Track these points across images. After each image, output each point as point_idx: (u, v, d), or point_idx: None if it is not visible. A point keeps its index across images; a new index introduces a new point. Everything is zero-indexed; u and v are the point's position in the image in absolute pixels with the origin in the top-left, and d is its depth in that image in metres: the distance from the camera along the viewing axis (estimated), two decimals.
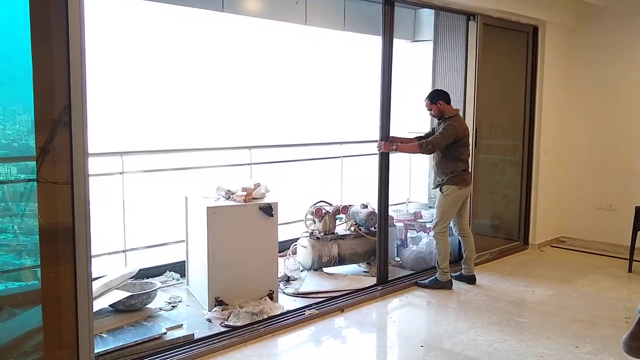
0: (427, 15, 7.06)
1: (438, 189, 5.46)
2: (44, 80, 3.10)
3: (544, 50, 6.92)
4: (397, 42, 5.58)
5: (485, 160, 6.51)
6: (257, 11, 5.95)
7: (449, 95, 5.39)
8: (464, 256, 5.74)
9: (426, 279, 5.65)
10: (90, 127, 3.19)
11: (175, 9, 5.67)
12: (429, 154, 5.40)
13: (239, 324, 4.45)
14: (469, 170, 5.53)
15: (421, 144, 5.23)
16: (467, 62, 6.22)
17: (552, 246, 7.35)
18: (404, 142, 5.40)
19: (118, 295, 4.33)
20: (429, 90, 6.92)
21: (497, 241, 6.96)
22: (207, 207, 4.69)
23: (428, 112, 5.42)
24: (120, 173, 5.43)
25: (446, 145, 5.26)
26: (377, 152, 5.41)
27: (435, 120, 5.55)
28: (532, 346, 4.31)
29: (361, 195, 6.30)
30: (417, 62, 7.26)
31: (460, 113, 5.56)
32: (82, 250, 3.17)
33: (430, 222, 6.65)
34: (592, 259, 6.81)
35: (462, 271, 5.77)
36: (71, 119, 3.11)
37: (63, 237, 3.16)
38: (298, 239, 5.90)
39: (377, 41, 5.38)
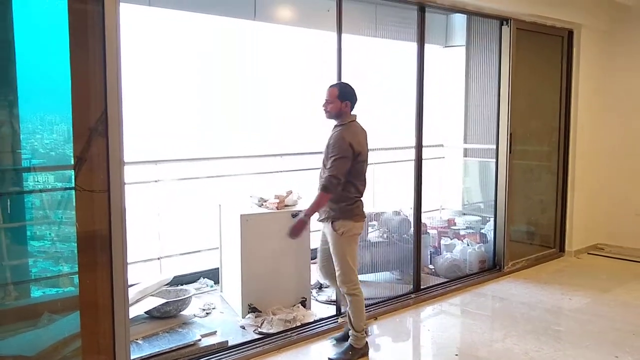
0: (460, 21, 7.02)
1: (329, 224, 4.07)
2: (82, 91, 3.16)
3: (579, 54, 6.81)
4: (429, 48, 5.55)
5: (519, 166, 6.42)
6: (288, 19, 5.99)
7: (357, 99, 4.17)
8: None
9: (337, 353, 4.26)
10: (126, 136, 3.24)
11: (209, 18, 5.73)
12: (337, 189, 3.93)
13: (272, 331, 4.47)
14: (362, 197, 4.17)
15: (324, 186, 3.91)
16: (501, 67, 6.15)
17: (589, 253, 7.20)
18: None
19: (153, 302, 4.39)
20: (462, 96, 6.89)
21: (533, 248, 6.86)
22: (241, 215, 4.72)
23: (325, 103, 4.10)
24: (155, 181, 5.51)
25: (348, 165, 3.95)
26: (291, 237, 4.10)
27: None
28: (570, 355, 4.23)
29: (393, 201, 6.26)
30: (449, 67, 7.22)
31: (358, 120, 4.18)
32: (118, 257, 3.22)
33: (464, 230, 6.59)
34: (631, 267, 6.66)
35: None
36: (108, 128, 3.17)
37: (100, 245, 3.21)
38: None
39: (409, 47, 5.36)
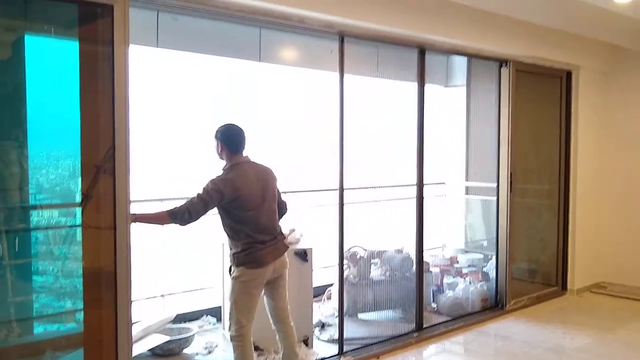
0: (460, 61, 7.14)
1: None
2: (90, 130, 3.25)
3: (577, 94, 6.91)
4: (431, 87, 5.65)
5: (521, 204, 6.46)
6: (292, 60, 6.10)
7: (241, 141, 3.88)
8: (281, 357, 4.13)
9: None
10: (133, 175, 3.30)
11: (215, 60, 5.85)
12: (186, 224, 3.67)
13: None
14: (268, 241, 3.83)
15: (172, 212, 3.61)
16: (500, 107, 6.24)
17: (591, 292, 7.18)
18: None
19: (156, 340, 4.39)
20: (463, 135, 6.97)
21: (535, 286, 6.84)
22: None
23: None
24: None
25: (221, 209, 3.78)
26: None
27: None
28: None
29: (395, 239, 6.28)
30: (451, 106, 7.32)
31: (253, 159, 3.95)
32: (123, 294, 3.26)
33: (466, 268, 6.61)
34: (634, 306, 6.64)
35: None
36: (115, 166, 3.24)
37: (105, 281, 3.25)
38: (333, 284, 5.90)
39: (410, 87, 5.47)
